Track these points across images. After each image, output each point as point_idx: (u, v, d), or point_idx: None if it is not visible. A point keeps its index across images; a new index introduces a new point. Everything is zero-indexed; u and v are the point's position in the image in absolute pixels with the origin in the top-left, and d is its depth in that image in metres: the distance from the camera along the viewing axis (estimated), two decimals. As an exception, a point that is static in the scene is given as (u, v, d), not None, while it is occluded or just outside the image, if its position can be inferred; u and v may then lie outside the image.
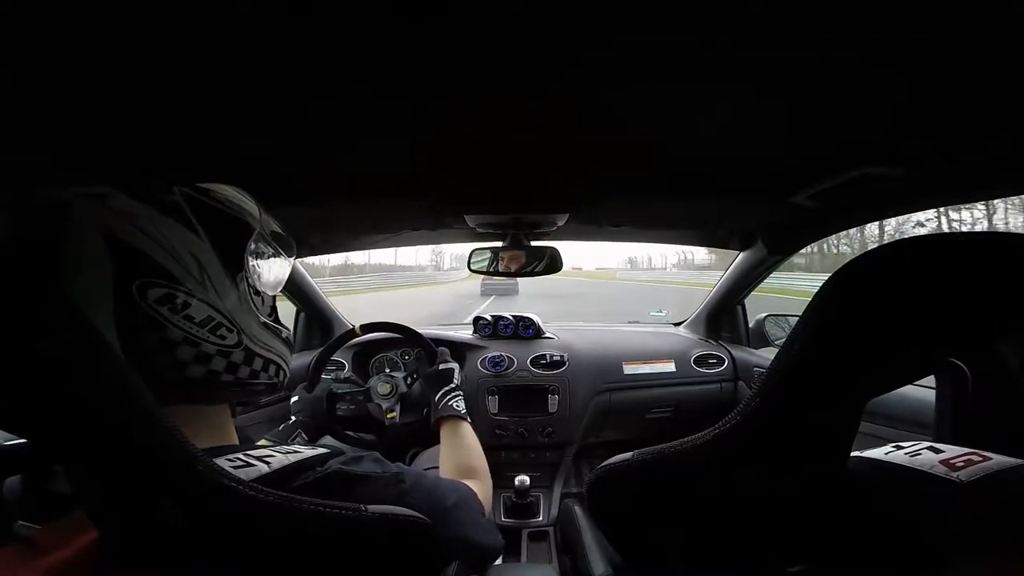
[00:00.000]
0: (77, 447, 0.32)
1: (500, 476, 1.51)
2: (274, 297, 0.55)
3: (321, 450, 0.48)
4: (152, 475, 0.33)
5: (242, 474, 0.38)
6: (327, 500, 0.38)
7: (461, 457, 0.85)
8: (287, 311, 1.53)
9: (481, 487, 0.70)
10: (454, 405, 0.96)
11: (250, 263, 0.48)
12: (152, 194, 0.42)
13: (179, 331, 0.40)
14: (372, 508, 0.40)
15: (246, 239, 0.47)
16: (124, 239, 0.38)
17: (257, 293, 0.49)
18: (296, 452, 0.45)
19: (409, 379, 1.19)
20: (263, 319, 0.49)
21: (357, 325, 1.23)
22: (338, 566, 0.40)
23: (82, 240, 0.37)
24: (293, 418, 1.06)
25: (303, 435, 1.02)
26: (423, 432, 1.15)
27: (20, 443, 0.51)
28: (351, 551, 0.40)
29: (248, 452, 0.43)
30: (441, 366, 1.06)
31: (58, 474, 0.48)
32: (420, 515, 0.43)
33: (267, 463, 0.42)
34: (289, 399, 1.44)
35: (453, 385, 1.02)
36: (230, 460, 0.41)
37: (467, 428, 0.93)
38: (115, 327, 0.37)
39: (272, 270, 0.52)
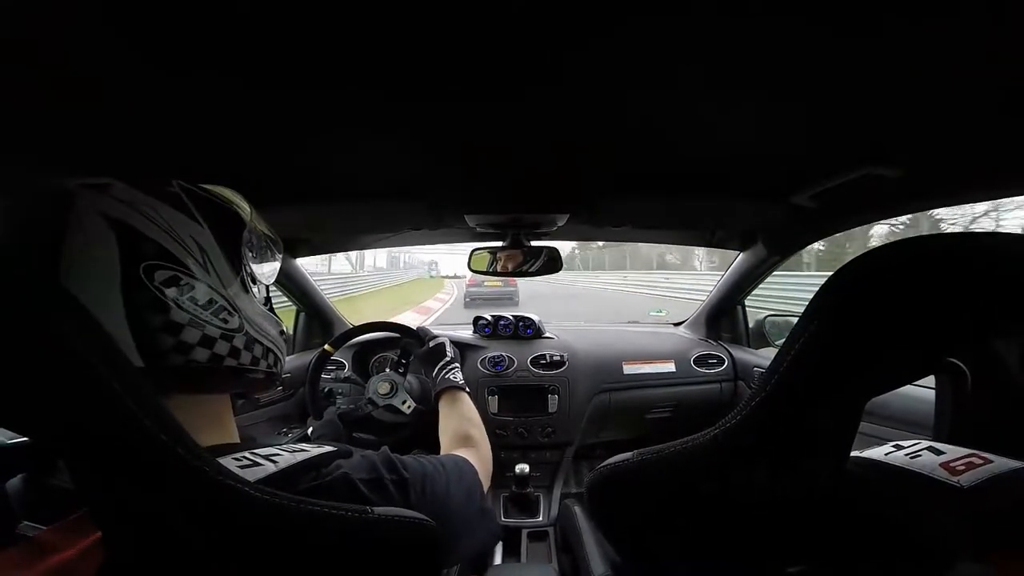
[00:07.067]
0: (79, 447, 0.32)
1: (500, 476, 1.52)
2: (268, 288, 0.57)
3: (328, 448, 0.48)
4: (155, 475, 0.33)
5: (248, 474, 0.38)
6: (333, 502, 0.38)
7: (458, 426, 0.86)
8: (286, 311, 1.53)
9: (478, 456, 0.72)
10: (451, 377, 0.97)
11: (246, 253, 0.49)
12: (151, 186, 0.43)
13: (185, 313, 0.41)
14: (378, 510, 0.40)
15: (241, 230, 0.49)
16: (129, 223, 0.39)
17: (254, 282, 0.51)
18: (303, 451, 0.46)
19: (401, 368, 1.18)
20: (261, 307, 0.51)
21: (326, 344, 1.26)
22: (344, 568, 0.40)
23: (86, 225, 0.37)
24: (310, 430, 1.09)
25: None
26: (425, 432, 1.15)
27: (22, 441, 0.51)
28: (357, 552, 0.40)
29: (255, 451, 0.43)
30: (431, 343, 1.07)
31: (61, 471, 0.48)
32: (426, 517, 0.43)
33: (274, 462, 0.42)
34: (288, 398, 1.45)
35: (448, 359, 1.03)
36: (236, 459, 0.41)
37: (464, 397, 0.94)
38: (124, 310, 0.37)
39: (264, 262, 0.54)
